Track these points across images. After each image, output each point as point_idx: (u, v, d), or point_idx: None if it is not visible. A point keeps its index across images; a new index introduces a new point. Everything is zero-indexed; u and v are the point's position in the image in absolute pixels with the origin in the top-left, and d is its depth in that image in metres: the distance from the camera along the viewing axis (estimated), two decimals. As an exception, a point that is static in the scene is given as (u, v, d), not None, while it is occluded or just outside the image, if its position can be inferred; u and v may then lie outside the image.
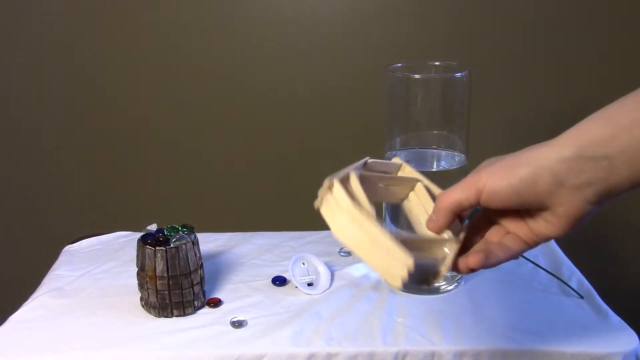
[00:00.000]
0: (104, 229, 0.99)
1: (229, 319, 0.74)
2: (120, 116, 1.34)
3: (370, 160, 0.61)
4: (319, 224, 1.06)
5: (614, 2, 1.25)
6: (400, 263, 0.48)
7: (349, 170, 0.56)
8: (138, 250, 0.74)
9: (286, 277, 0.83)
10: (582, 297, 0.78)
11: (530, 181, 0.49)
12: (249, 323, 0.73)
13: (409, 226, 0.79)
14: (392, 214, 0.80)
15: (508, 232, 0.54)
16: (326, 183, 0.52)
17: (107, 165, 1.37)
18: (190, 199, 1.39)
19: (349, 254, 0.91)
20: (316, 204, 0.52)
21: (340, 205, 0.50)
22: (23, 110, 1.34)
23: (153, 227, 0.78)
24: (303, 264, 0.83)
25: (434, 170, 0.80)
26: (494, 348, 0.68)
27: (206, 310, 0.76)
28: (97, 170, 1.37)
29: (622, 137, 0.47)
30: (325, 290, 0.81)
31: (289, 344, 0.68)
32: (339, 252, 0.92)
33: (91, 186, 1.38)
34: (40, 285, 0.84)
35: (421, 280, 0.53)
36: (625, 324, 0.72)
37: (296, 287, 0.81)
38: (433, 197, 0.60)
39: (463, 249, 0.55)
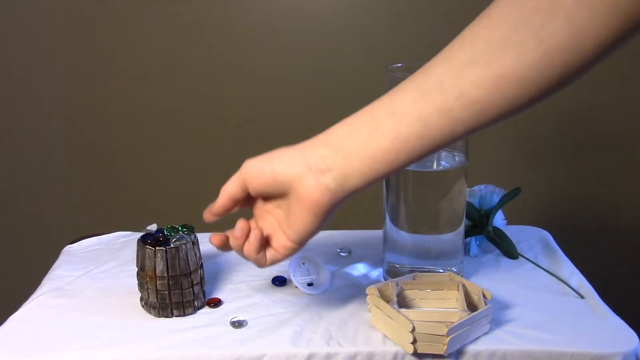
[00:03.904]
0: (104, 229, 0.99)
1: (229, 319, 0.74)
2: (120, 116, 1.34)
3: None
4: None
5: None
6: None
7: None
8: (138, 250, 0.74)
9: (286, 277, 0.83)
10: (582, 297, 0.78)
11: (287, 163, 0.59)
12: (249, 323, 0.73)
13: (409, 226, 0.79)
14: (393, 214, 0.80)
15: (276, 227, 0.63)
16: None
17: (107, 166, 1.37)
18: (190, 199, 1.38)
19: (349, 253, 0.91)
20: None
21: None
22: (23, 110, 1.34)
23: (153, 227, 0.78)
24: (303, 264, 0.83)
25: (434, 170, 0.80)
26: (494, 348, 0.68)
27: (206, 310, 0.77)
28: (97, 170, 1.37)
29: (356, 135, 0.57)
30: (325, 290, 0.81)
31: (289, 344, 0.68)
32: (339, 252, 0.92)
33: (91, 186, 1.38)
34: (40, 285, 0.84)
35: None
36: (625, 324, 0.72)
37: (296, 287, 0.81)
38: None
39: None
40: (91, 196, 1.39)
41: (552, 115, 1.31)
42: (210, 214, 0.66)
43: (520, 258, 0.88)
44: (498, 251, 0.90)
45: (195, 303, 0.76)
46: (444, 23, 1.27)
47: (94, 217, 1.39)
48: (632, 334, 0.70)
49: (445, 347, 0.65)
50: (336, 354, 0.67)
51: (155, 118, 1.34)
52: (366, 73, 1.28)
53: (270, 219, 0.64)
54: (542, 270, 0.84)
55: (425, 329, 0.65)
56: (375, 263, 0.87)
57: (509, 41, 0.50)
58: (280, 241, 0.63)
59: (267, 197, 0.63)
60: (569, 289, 0.80)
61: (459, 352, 0.67)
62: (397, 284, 0.74)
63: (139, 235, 0.76)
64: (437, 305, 0.74)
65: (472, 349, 0.68)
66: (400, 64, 0.79)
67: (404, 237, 0.80)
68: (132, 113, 1.34)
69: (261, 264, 0.64)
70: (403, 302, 0.74)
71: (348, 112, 1.47)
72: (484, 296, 0.71)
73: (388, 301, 0.70)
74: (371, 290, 0.72)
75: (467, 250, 0.89)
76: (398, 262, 0.82)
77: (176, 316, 0.75)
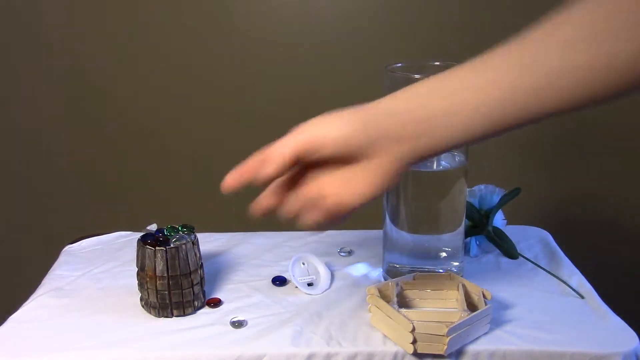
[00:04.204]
0: (104, 229, 0.99)
1: (229, 319, 0.74)
2: (120, 116, 1.34)
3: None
4: (319, 224, 1.04)
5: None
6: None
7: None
8: (138, 250, 0.74)
9: (286, 277, 0.83)
10: (582, 297, 0.78)
11: (360, 129, 0.54)
12: (249, 323, 0.73)
13: (409, 226, 0.79)
14: (393, 214, 0.80)
15: (324, 185, 0.56)
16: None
17: (108, 165, 1.37)
18: (190, 199, 1.39)
19: (349, 253, 0.91)
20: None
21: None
22: (23, 110, 1.34)
23: (153, 227, 0.78)
24: (303, 264, 0.83)
25: (434, 170, 0.80)
26: (494, 348, 0.68)
27: (206, 310, 0.77)
28: (97, 170, 1.37)
29: (438, 103, 0.53)
30: (325, 290, 0.81)
31: (289, 344, 0.68)
32: (339, 252, 0.92)
33: (91, 186, 1.38)
34: (40, 285, 0.84)
35: None
36: (625, 324, 0.72)
37: (296, 287, 0.81)
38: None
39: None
40: (91, 196, 1.39)
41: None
42: (241, 178, 0.58)
43: (520, 258, 0.88)
44: (498, 251, 0.90)
45: (195, 303, 0.76)
46: (444, 23, 1.27)
47: (94, 217, 1.39)
48: (632, 334, 0.70)
49: (446, 347, 0.65)
50: (336, 354, 0.67)
51: (155, 118, 1.34)
52: (366, 73, 1.28)
53: (313, 186, 0.58)
54: (542, 270, 0.84)
55: (425, 329, 0.65)
56: (375, 263, 0.87)
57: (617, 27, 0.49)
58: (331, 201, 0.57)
59: (320, 164, 0.57)
60: (569, 289, 0.80)
61: (459, 352, 0.67)
62: (397, 284, 0.74)
63: (139, 235, 0.76)
64: (437, 305, 0.74)
65: (472, 348, 0.68)
66: (400, 64, 0.79)
67: (404, 237, 0.80)
68: (132, 113, 1.34)
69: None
70: (403, 302, 0.74)
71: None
72: (484, 296, 0.71)
73: (388, 301, 0.71)
74: (371, 290, 0.72)
75: (467, 250, 0.89)
76: (398, 262, 0.82)
77: (176, 316, 0.75)
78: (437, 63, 0.80)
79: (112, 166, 1.37)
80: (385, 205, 0.81)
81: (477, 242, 0.91)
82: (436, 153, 0.56)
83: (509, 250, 0.89)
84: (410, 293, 0.75)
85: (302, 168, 0.58)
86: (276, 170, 0.55)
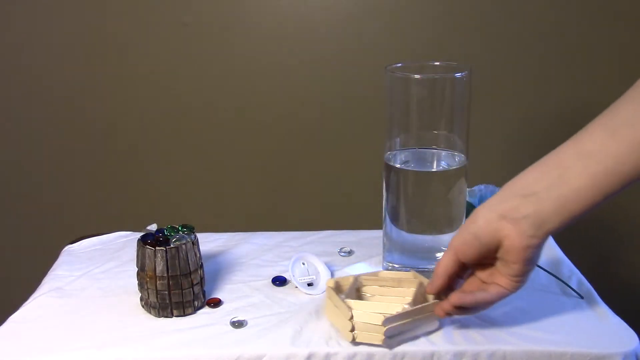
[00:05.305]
0: (104, 229, 0.99)
1: (229, 319, 0.74)
2: (120, 116, 1.34)
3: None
4: (319, 224, 1.06)
5: (615, 2, 1.25)
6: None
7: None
8: (138, 250, 0.74)
9: (286, 277, 0.83)
10: (582, 297, 0.78)
11: (484, 223, 0.62)
12: (249, 323, 0.73)
13: (409, 226, 0.79)
14: (393, 214, 0.80)
15: (482, 282, 0.67)
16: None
17: (107, 165, 1.37)
18: (190, 199, 1.39)
19: (349, 253, 0.91)
20: None
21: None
22: (23, 110, 1.34)
23: (153, 227, 0.78)
24: (303, 264, 0.83)
25: (434, 170, 0.80)
26: (494, 348, 0.68)
27: (206, 310, 0.77)
28: (97, 170, 1.37)
29: (546, 179, 0.59)
30: (325, 290, 0.81)
31: (289, 344, 0.68)
32: (339, 252, 0.92)
33: (91, 186, 1.38)
34: (40, 285, 0.84)
35: None
36: (625, 324, 0.72)
37: (296, 287, 0.81)
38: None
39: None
40: (91, 196, 1.39)
41: (552, 115, 1.31)
42: (431, 292, 0.70)
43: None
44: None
45: (195, 303, 0.76)
46: (444, 23, 1.27)
47: (94, 217, 1.39)
48: (632, 334, 0.70)
49: (383, 337, 0.66)
50: (336, 354, 0.67)
51: (155, 118, 1.34)
52: (366, 73, 1.28)
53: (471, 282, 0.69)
54: (542, 270, 0.84)
55: (363, 318, 0.67)
56: (375, 263, 0.87)
57: None
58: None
59: (480, 264, 0.66)
60: (569, 289, 0.80)
61: (459, 352, 0.67)
62: (357, 279, 0.75)
63: (139, 235, 0.76)
64: (394, 302, 0.75)
65: (471, 348, 0.68)
66: (400, 64, 0.79)
67: (404, 237, 0.80)
68: (132, 113, 1.34)
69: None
70: (360, 297, 0.75)
71: (348, 112, 1.47)
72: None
73: (341, 293, 0.73)
74: (330, 283, 0.74)
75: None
76: (398, 262, 0.82)
77: (176, 316, 0.75)
78: (437, 63, 0.80)
79: (112, 166, 1.37)
80: (385, 205, 0.81)
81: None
82: (563, 225, 0.60)
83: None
84: (369, 289, 0.76)
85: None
86: (443, 281, 0.67)
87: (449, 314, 0.68)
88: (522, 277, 0.63)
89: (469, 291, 0.66)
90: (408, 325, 0.68)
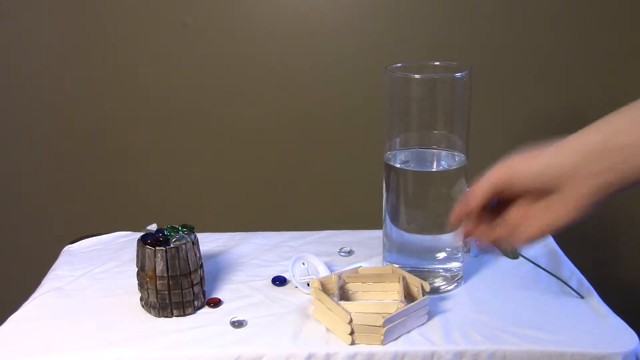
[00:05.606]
0: (104, 229, 0.99)
1: (229, 319, 0.74)
2: (120, 116, 1.34)
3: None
4: (319, 224, 1.06)
5: (614, 2, 1.25)
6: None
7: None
8: (138, 250, 0.74)
9: (286, 277, 0.83)
10: (582, 297, 0.78)
11: (554, 165, 0.57)
12: (249, 323, 0.73)
13: (409, 226, 0.79)
14: (393, 214, 0.80)
15: (525, 215, 0.61)
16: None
17: (107, 165, 1.37)
18: (190, 199, 1.39)
19: (349, 253, 0.91)
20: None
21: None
22: (23, 110, 1.34)
23: (153, 227, 0.78)
24: (303, 264, 0.83)
25: (433, 170, 0.80)
26: (494, 348, 0.68)
27: (206, 310, 0.77)
28: (97, 170, 1.37)
29: (634, 132, 0.53)
30: (325, 290, 0.81)
31: (289, 344, 0.68)
32: (339, 252, 0.92)
33: (91, 186, 1.38)
34: (40, 285, 0.84)
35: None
36: (625, 324, 0.72)
37: (296, 287, 0.81)
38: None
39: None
40: (91, 196, 1.39)
41: (552, 115, 1.31)
42: (459, 216, 0.64)
43: (521, 258, 0.88)
44: (498, 251, 0.90)
45: (195, 303, 0.76)
46: (444, 23, 1.27)
47: (93, 217, 1.39)
48: (632, 334, 0.70)
49: (382, 337, 0.67)
50: (336, 353, 0.67)
51: (155, 118, 1.34)
52: (366, 73, 1.28)
53: (515, 215, 0.63)
54: (542, 270, 0.84)
55: (362, 320, 0.67)
56: (375, 263, 0.87)
57: None
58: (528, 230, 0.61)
59: (519, 197, 0.61)
60: (569, 289, 0.80)
61: (459, 352, 0.67)
62: (340, 277, 0.76)
63: (139, 235, 0.76)
64: (378, 298, 0.76)
65: (471, 348, 0.68)
66: (400, 64, 0.79)
67: (404, 237, 0.80)
68: (133, 113, 1.34)
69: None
70: (345, 295, 0.76)
71: (348, 111, 1.47)
72: (423, 288, 0.73)
73: (330, 294, 0.73)
74: (315, 284, 0.74)
75: (467, 251, 0.89)
76: (398, 262, 0.82)
77: (176, 316, 0.75)
78: (437, 63, 0.80)
79: (112, 166, 1.37)
80: (385, 205, 0.81)
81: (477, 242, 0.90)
82: (627, 187, 0.56)
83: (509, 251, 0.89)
84: (352, 286, 0.77)
85: (502, 202, 0.63)
86: (478, 203, 0.62)
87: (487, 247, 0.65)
88: (560, 226, 0.58)
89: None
90: (403, 322, 0.69)
